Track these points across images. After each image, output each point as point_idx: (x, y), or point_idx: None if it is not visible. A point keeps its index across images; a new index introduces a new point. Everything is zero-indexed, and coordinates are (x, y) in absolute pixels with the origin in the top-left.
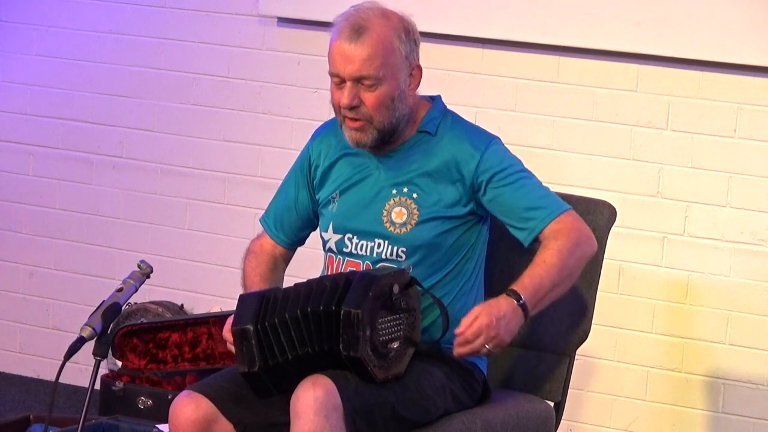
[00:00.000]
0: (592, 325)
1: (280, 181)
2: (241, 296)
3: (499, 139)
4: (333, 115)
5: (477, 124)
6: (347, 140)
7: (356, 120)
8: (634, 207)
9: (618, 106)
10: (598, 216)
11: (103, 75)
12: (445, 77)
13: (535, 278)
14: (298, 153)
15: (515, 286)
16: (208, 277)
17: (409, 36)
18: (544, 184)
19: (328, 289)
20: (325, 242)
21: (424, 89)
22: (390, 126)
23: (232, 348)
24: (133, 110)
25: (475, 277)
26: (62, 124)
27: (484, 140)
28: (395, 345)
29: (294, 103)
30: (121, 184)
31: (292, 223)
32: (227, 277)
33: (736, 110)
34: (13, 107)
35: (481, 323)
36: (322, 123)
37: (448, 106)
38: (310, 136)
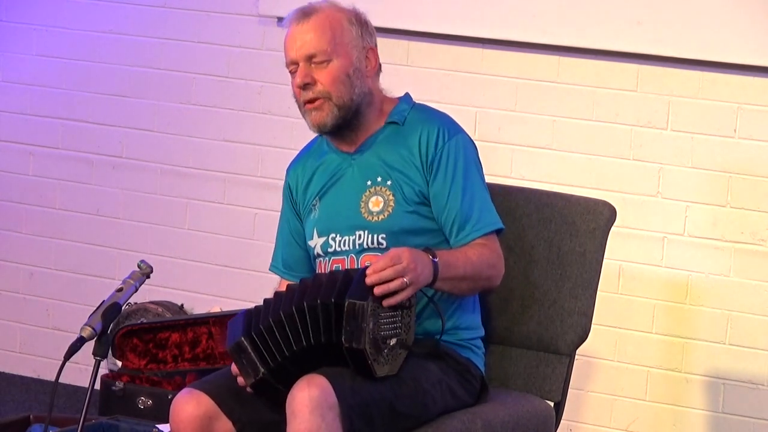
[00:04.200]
0: (592, 325)
1: (280, 181)
2: (228, 322)
3: (467, 135)
4: None
5: (477, 124)
6: (310, 127)
7: (314, 100)
8: (634, 207)
9: (618, 106)
10: (598, 216)
11: (103, 75)
12: (445, 77)
13: (452, 259)
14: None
15: (435, 252)
16: (208, 277)
17: (360, 20)
18: (540, 186)
19: (324, 285)
20: (312, 249)
21: (424, 89)
22: (350, 102)
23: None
24: (133, 110)
25: None
26: (62, 124)
27: (453, 129)
28: (392, 342)
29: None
30: (121, 184)
31: (298, 257)
32: (227, 277)
33: (736, 110)
34: (13, 107)
35: (406, 257)
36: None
37: (448, 106)
38: (310, 139)
